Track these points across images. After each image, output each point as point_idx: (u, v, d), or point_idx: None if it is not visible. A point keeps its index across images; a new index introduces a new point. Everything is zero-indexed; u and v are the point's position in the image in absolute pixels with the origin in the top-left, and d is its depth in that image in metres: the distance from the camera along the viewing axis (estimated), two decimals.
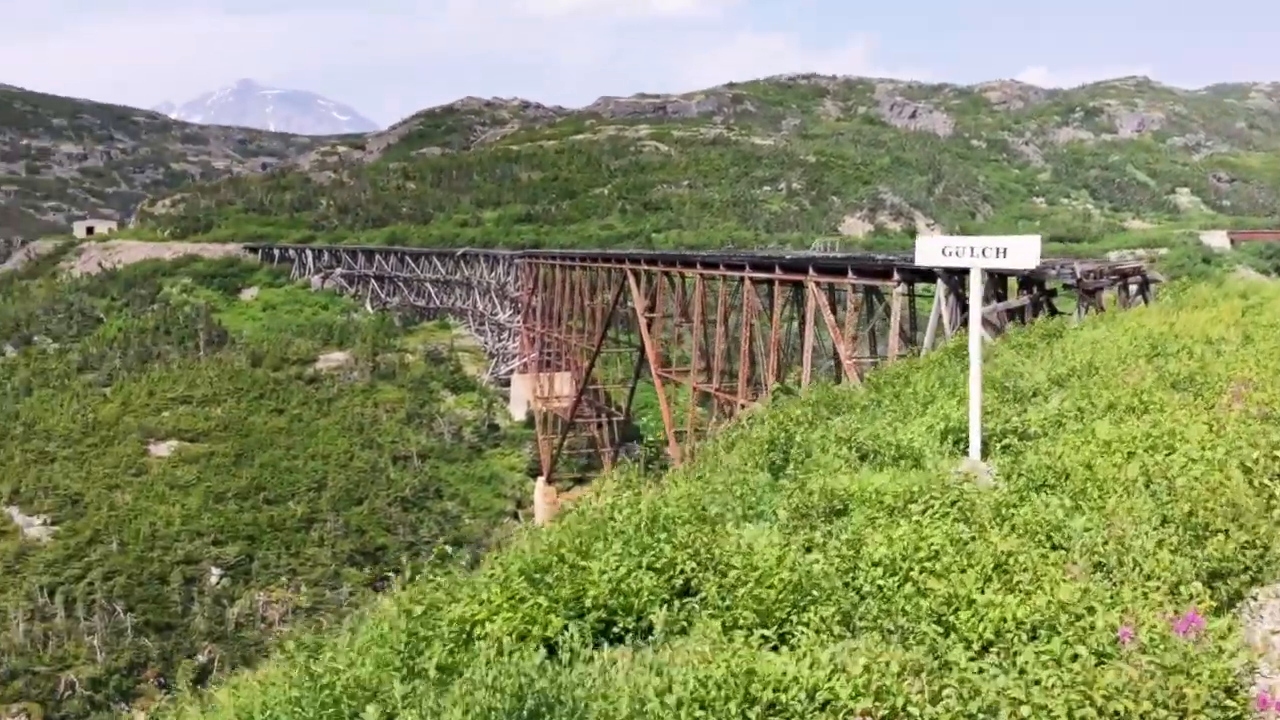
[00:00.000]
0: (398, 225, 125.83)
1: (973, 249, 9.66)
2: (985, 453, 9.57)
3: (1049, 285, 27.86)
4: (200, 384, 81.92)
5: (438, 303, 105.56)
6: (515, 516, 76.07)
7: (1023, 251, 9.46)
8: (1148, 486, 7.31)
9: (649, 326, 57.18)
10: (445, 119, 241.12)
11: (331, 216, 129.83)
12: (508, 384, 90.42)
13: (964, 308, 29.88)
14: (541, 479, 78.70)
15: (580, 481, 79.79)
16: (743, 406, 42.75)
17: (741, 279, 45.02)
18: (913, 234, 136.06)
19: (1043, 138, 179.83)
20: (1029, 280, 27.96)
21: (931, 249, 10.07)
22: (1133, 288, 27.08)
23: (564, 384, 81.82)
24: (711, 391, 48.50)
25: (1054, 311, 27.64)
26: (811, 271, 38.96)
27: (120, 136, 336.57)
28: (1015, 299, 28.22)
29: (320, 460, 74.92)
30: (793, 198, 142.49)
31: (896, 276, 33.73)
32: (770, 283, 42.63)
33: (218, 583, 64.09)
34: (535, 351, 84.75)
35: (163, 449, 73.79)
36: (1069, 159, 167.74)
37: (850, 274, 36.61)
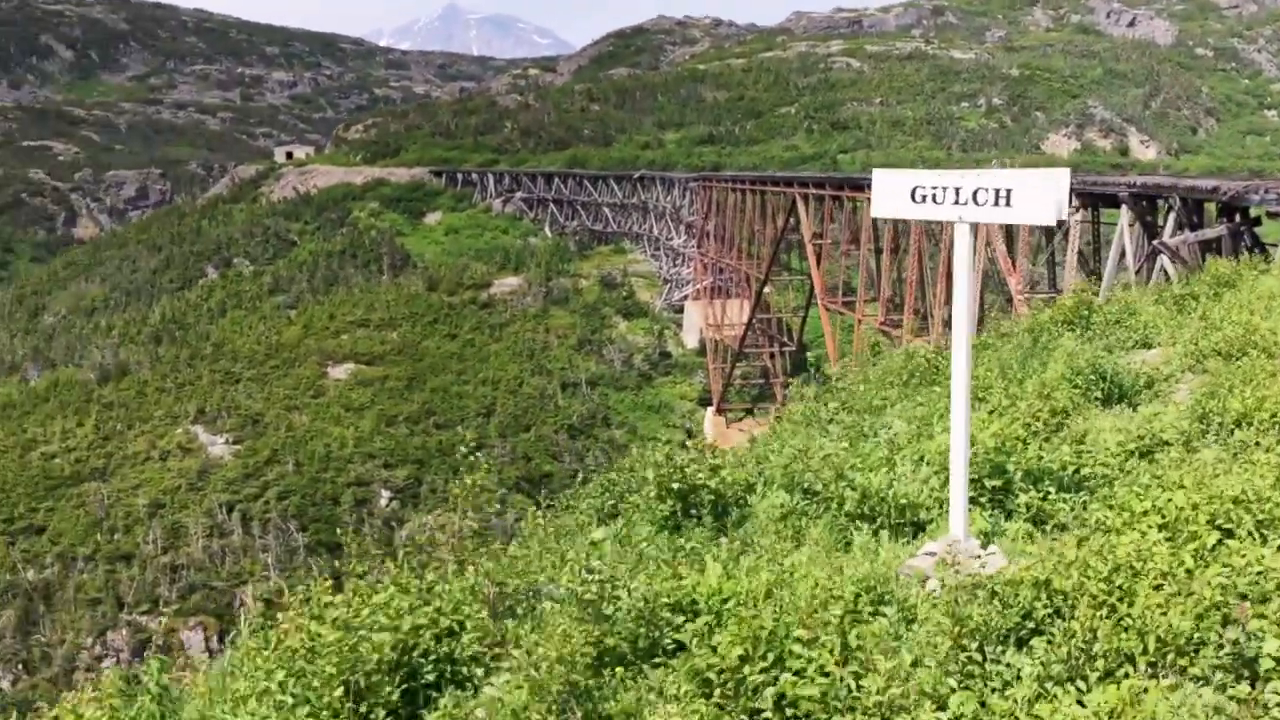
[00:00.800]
0: (579, 148, 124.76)
1: (957, 193, 6.14)
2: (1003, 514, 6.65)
3: (1253, 213, 23.70)
4: (378, 308, 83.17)
5: (614, 227, 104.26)
6: (683, 447, 74.65)
7: (1036, 198, 5.68)
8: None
9: (817, 254, 54.07)
10: (635, 39, 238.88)
11: (515, 140, 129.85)
12: (681, 311, 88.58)
13: (1151, 237, 26.08)
14: (711, 409, 76.86)
15: (750, 412, 77.69)
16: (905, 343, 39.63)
17: None
18: (1124, 152, 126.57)
19: (1278, 44, 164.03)
20: (1228, 206, 23.88)
21: (891, 191, 6.40)
22: None
23: (737, 312, 79.42)
24: (875, 325, 45.29)
25: (1258, 246, 23.54)
26: None
27: (328, 63, 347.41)
28: (1211, 228, 24.20)
29: (490, 386, 75.04)
30: (992, 114, 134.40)
31: (1074, 201, 29.84)
32: None
33: (387, 505, 65.09)
34: (709, 278, 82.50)
35: (340, 371, 75.27)
36: None
37: None
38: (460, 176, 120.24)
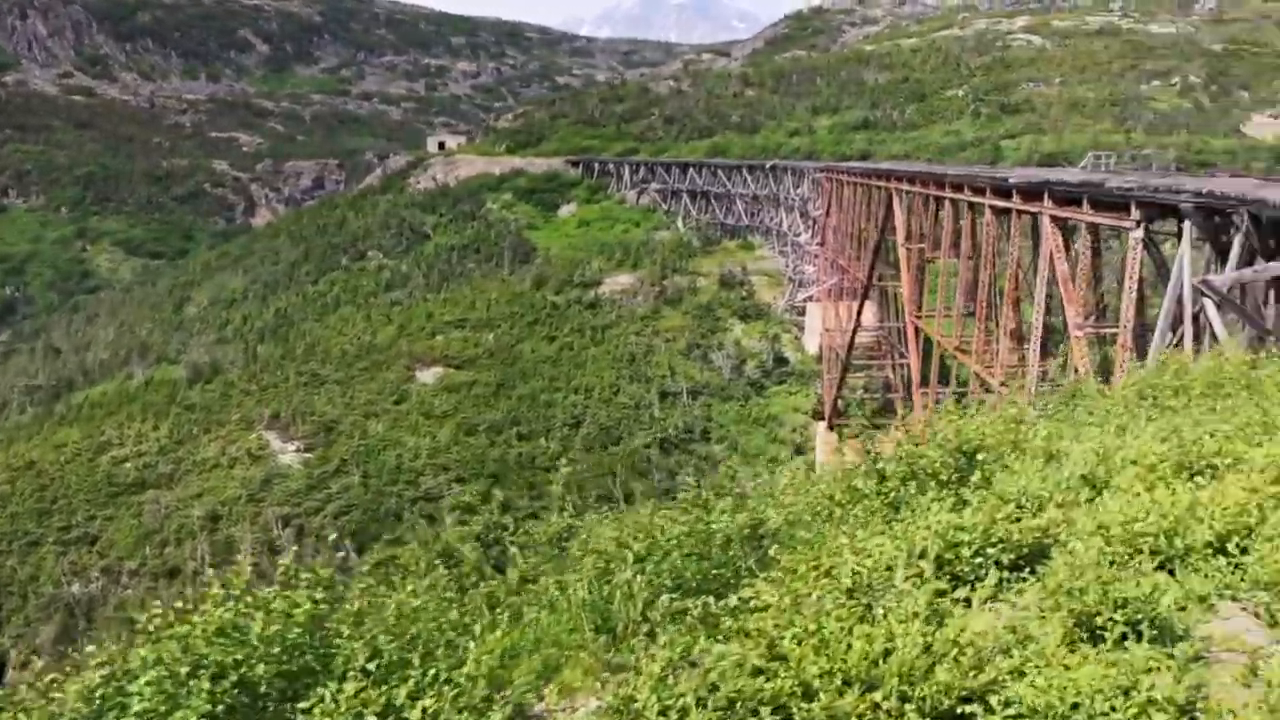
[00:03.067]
0: (723, 136, 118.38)
1: None
2: None
3: None
4: (479, 306, 79.36)
5: (746, 220, 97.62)
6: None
7: None
8: None
9: (907, 259, 46.69)
10: (812, 20, 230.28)
11: (658, 127, 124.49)
12: (804, 313, 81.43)
13: (1225, 263, 18.58)
14: (823, 424, 69.69)
15: (874, 427, 70.08)
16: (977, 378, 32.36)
17: (983, 205, 34.00)
18: None
19: None
20: None
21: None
22: None
23: (862, 316, 71.86)
24: (950, 349, 37.91)
25: None
26: (1047, 200, 27.72)
27: (512, 53, 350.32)
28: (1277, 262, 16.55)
29: (583, 394, 70.03)
30: (1187, 93, 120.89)
31: (1135, 213, 22.26)
32: (1008, 212, 31.55)
33: (454, 524, 60.92)
34: (833, 277, 75.16)
35: (428, 375, 71.69)
36: None
37: (1086, 206, 25.25)
38: (597, 166, 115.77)
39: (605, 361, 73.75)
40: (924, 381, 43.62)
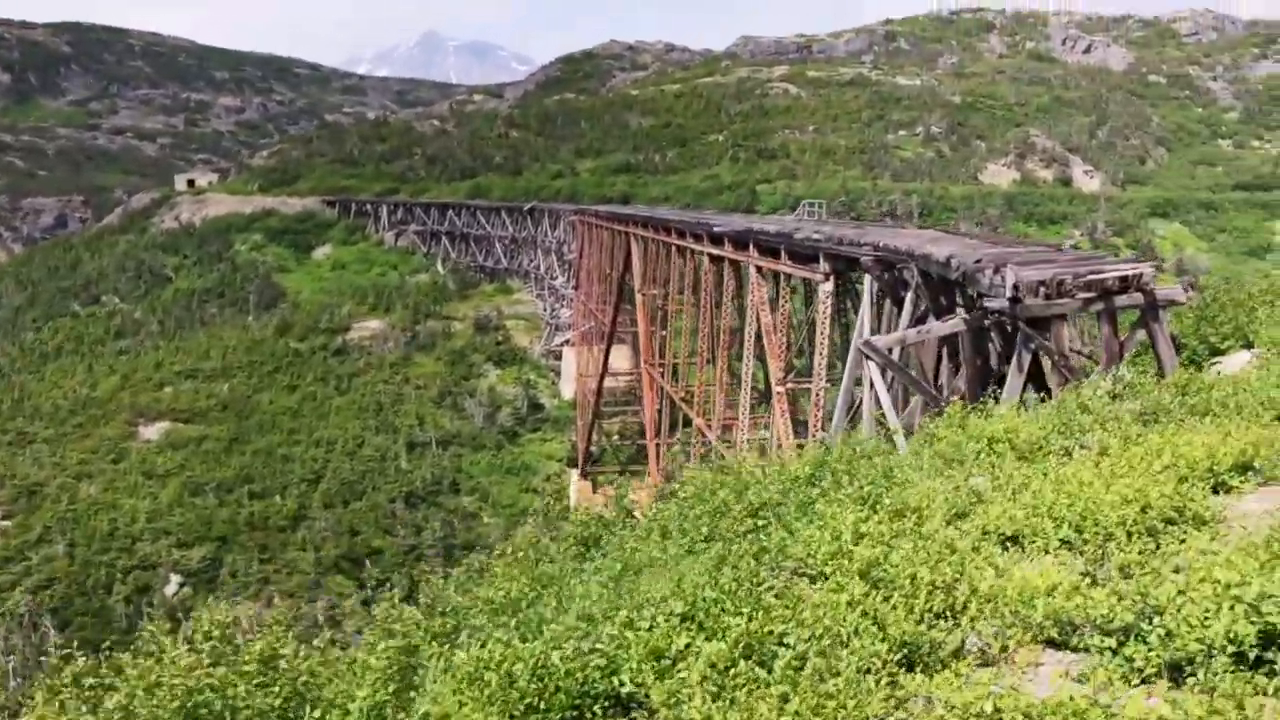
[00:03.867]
0: (485, 177, 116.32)
1: None
2: None
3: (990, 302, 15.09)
4: (214, 355, 74.35)
5: (505, 263, 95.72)
6: (544, 513, 65.85)
7: None
8: None
9: (644, 304, 45.67)
10: (584, 64, 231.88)
11: (419, 167, 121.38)
12: (560, 358, 79.97)
13: (900, 315, 17.61)
14: (576, 471, 68.15)
15: (625, 473, 68.95)
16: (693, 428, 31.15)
17: (702, 253, 33.06)
18: (1066, 183, 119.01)
19: (1235, 73, 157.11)
20: (957, 285, 15.38)
21: None
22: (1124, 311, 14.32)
23: (617, 359, 70.94)
24: (678, 399, 36.84)
25: (995, 351, 15.16)
26: (753, 250, 26.84)
27: (280, 89, 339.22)
28: (943, 321, 15.58)
29: (324, 447, 66.22)
30: (930, 143, 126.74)
31: (824, 265, 21.37)
32: (721, 261, 30.64)
33: (176, 593, 56.07)
34: (587, 322, 73.99)
35: (152, 431, 66.37)
36: (1265, 97, 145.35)
37: (784, 257, 24.39)
38: (354, 207, 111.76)
39: (350, 412, 70.14)
40: (657, 431, 42.53)
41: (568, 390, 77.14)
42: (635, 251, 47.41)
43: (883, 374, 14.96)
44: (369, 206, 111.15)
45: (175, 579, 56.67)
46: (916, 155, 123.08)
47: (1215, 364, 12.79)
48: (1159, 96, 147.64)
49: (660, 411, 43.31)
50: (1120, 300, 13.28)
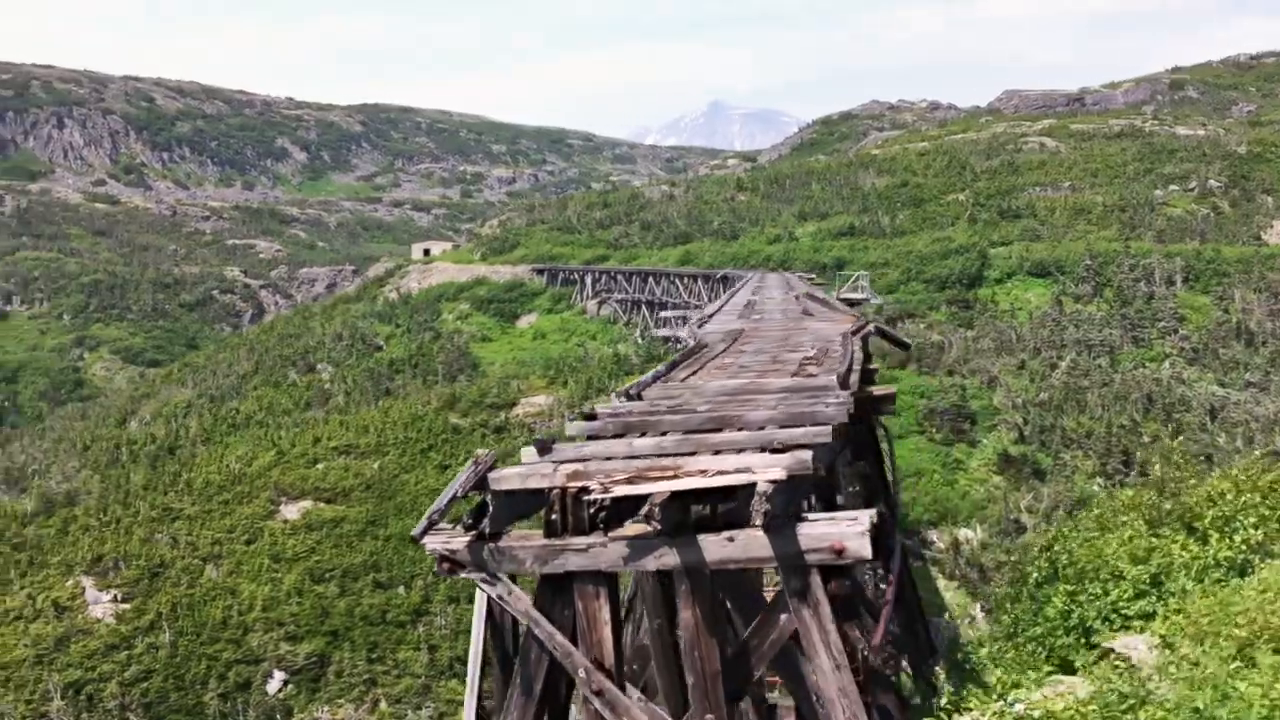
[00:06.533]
0: (699, 243, 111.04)
1: None
2: None
3: None
4: (373, 429, 71.57)
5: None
6: None
7: None
8: None
9: None
10: (840, 125, 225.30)
11: (634, 234, 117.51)
12: None
13: None
14: None
15: None
16: None
17: None
18: None
19: None
20: None
21: None
22: None
23: None
24: None
25: None
26: None
27: (553, 159, 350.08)
28: None
29: None
30: (1205, 199, 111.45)
31: None
32: None
33: (278, 691, 52.32)
34: None
35: (293, 510, 63.66)
36: None
37: None
38: (561, 275, 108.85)
39: None
40: None
41: None
42: None
43: None
44: (575, 274, 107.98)
45: (279, 676, 52.87)
46: (1187, 212, 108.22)
47: None
48: None
49: None
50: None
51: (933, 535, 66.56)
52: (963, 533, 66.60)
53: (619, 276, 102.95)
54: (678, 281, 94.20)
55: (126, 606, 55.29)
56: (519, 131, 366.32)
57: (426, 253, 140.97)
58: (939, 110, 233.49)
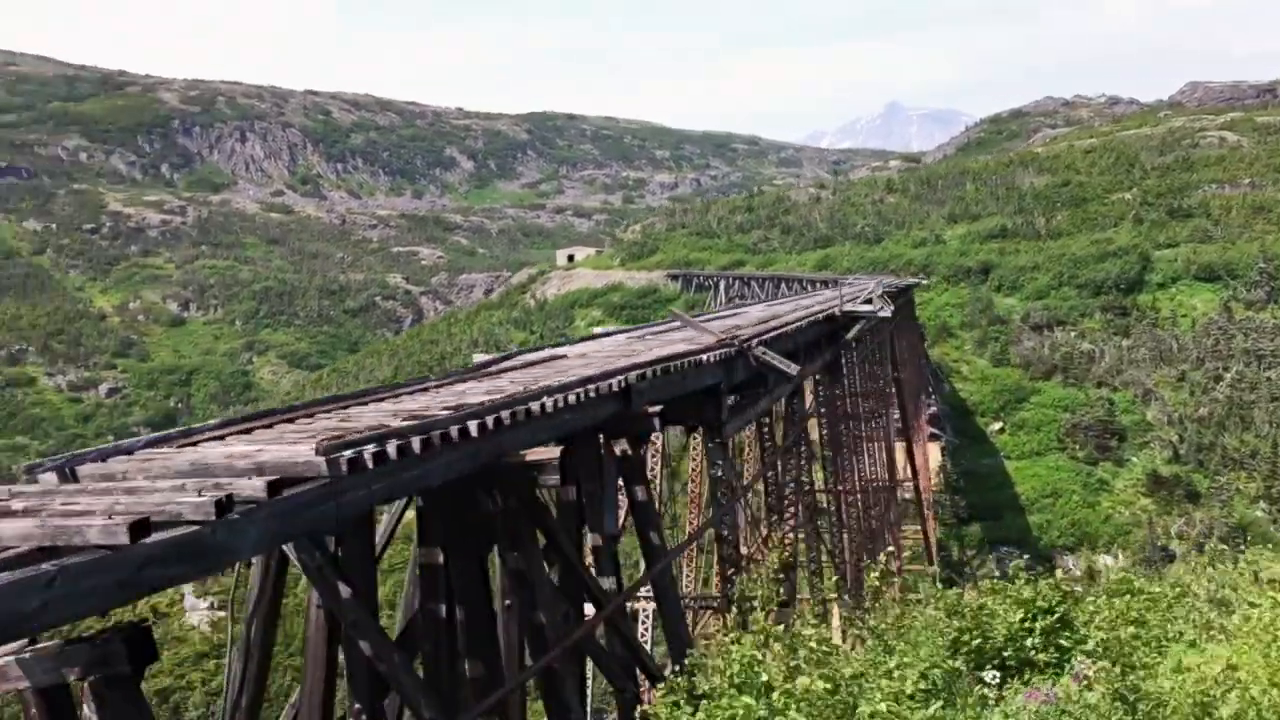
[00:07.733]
0: (837, 246, 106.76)
1: None
2: None
3: None
4: None
5: None
6: None
7: None
8: None
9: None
10: (1010, 123, 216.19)
11: (774, 238, 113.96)
12: None
13: None
14: None
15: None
16: None
17: None
18: None
19: None
20: None
21: None
22: None
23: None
24: None
25: None
26: None
27: (717, 164, 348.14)
28: None
29: None
30: None
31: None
32: None
33: None
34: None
35: None
36: None
37: None
38: (695, 280, 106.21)
39: None
40: None
41: None
42: None
43: None
44: (710, 280, 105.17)
45: None
46: None
47: None
48: None
49: None
50: None
51: (1069, 561, 61.30)
52: (1102, 559, 61.03)
53: (753, 282, 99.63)
54: (808, 286, 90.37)
55: (222, 614, 55.30)
56: (684, 137, 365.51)
57: (570, 258, 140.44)
58: (1118, 105, 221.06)
